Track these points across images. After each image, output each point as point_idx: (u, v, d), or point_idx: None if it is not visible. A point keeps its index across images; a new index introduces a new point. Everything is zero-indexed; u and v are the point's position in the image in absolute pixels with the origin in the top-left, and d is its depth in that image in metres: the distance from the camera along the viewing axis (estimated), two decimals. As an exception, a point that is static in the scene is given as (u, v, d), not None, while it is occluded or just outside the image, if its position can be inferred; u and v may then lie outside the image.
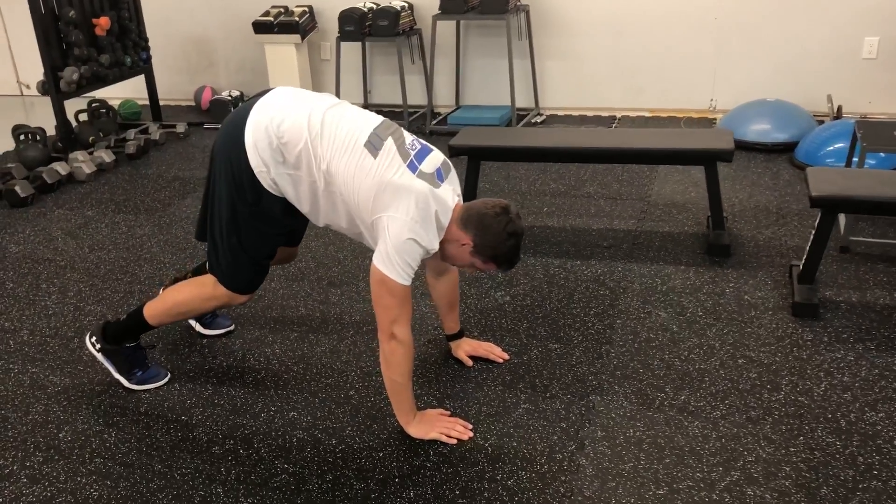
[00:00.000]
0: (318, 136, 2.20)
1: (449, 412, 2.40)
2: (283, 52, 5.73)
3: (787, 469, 2.12)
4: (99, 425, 2.44)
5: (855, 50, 5.00)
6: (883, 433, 2.23)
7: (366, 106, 5.82)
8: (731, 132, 3.41)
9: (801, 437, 2.23)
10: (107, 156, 4.86)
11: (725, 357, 2.63)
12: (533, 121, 5.50)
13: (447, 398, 2.49)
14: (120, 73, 5.28)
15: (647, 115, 5.53)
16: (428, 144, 2.31)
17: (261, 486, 2.15)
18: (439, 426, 2.31)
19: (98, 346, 2.60)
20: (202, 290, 2.50)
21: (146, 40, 5.54)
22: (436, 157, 2.27)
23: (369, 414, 2.43)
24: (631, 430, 2.30)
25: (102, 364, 2.62)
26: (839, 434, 2.24)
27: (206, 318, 2.93)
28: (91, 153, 4.86)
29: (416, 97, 5.80)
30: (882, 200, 2.66)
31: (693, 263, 3.30)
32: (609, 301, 3.03)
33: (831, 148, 4.26)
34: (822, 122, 4.85)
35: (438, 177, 2.22)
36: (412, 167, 2.18)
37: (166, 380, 2.65)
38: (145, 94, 5.74)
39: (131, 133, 5.28)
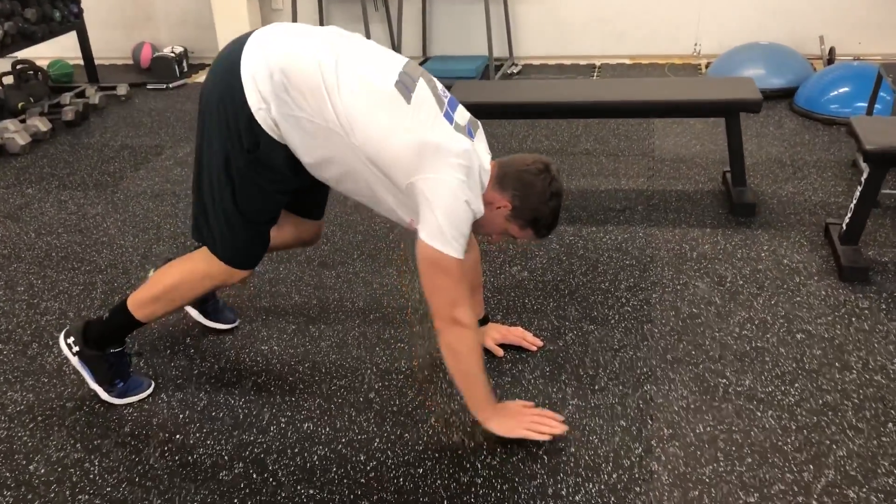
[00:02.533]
0: (333, 68, 1.80)
1: (533, 403, 2.08)
2: (230, 2, 5.21)
3: (886, 464, 1.88)
4: (77, 452, 2.05)
5: (845, -12, 4.77)
6: (976, 414, 2.02)
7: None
8: (751, 80, 3.14)
9: (891, 424, 2.00)
10: (42, 124, 4.32)
11: (782, 332, 2.38)
12: (508, 71, 5.14)
13: (483, 396, 2.18)
14: (48, 30, 4.71)
15: (628, 62, 5.23)
16: (452, 96, 1.98)
17: (285, 520, 1.82)
18: (526, 421, 1.99)
19: (76, 349, 2.19)
20: (194, 266, 2.10)
21: (76, -8, 4.96)
22: (464, 111, 1.94)
23: (397, 421, 2.11)
24: (700, 426, 2.03)
25: (76, 370, 2.23)
26: (930, 418, 2.01)
27: (209, 306, 2.52)
28: (23, 121, 4.32)
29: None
30: (947, 153, 2.42)
31: (718, 225, 3.04)
32: (639, 272, 2.75)
33: (834, 93, 4.04)
34: (813, 65, 4.63)
35: (469, 132, 1.90)
36: (448, 117, 1.85)
37: (150, 390, 2.27)
38: (77, 53, 5.17)
39: (66, 97, 4.73)
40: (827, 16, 4.82)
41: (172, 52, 5.45)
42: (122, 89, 4.99)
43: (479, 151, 1.91)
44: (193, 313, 2.53)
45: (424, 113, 1.82)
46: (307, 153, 1.91)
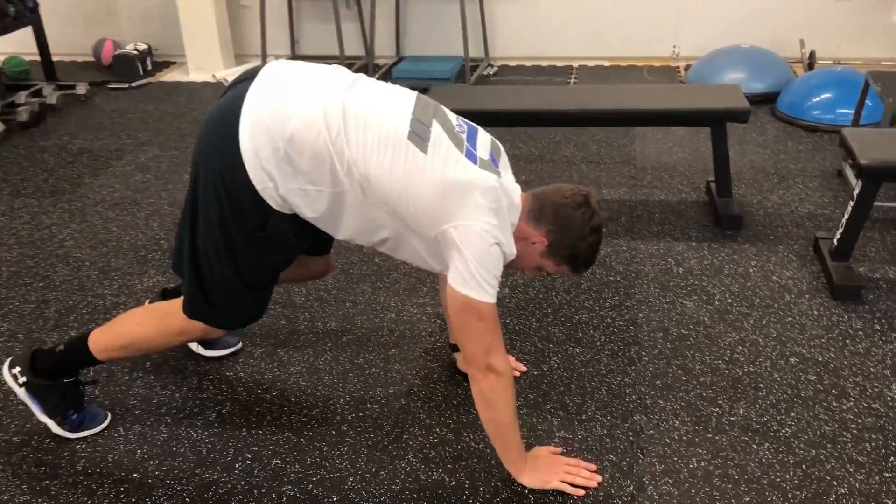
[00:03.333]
0: (341, 133, 1.65)
1: (561, 449, 1.95)
2: (196, -1, 5.01)
3: (890, 502, 1.78)
4: (24, 494, 1.89)
5: (826, -9, 4.70)
6: (980, 446, 1.93)
7: (293, 58, 5.19)
8: (738, 87, 3.03)
9: (893, 458, 1.90)
10: (-5, 125, 4.11)
11: (774, 356, 2.28)
12: (484, 73, 5.00)
13: (464, 428, 2.05)
14: (2, 26, 4.47)
15: (607, 64, 5.12)
16: (470, 122, 1.83)
17: (251, 571, 1.68)
18: (560, 472, 1.86)
19: (22, 379, 2.01)
20: (171, 324, 1.94)
21: (33, -14, 4.72)
22: (484, 138, 1.81)
23: (372, 457, 1.97)
24: (693, 460, 1.92)
25: (24, 402, 2.04)
26: (933, 450, 1.92)
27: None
28: (-26, 122, 4.11)
29: (352, 48, 5.19)
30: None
31: (704, 238, 2.93)
32: (623, 289, 2.63)
33: (817, 99, 3.96)
34: (793, 69, 4.55)
35: (494, 162, 1.76)
36: (470, 156, 1.70)
37: (107, 422, 2.10)
38: (34, 49, 4.92)
39: (21, 96, 4.51)
40: (807, 19, 4.74)
41: (136, 49, 5.23)
42: (81, 88, 4.77)
43: (506, 184, 1.76)
44: (194, 346, 2.37)
45: (444, 159, 1.68)
46: (324, 222, 1.79)
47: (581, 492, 1.83)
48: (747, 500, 1.80)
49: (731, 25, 4.82)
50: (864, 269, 2.69)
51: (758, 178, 3.42)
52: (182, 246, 1.87)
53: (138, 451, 2.01)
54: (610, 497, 1.82)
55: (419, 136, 1.68)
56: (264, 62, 4.99)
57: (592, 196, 1.81)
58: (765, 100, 4.25)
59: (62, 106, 4.63)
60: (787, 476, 1.86)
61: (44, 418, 2.05)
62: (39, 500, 1.87)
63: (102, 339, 1.98)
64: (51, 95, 4.60)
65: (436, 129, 1.72)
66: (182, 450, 2.01)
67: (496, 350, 1.74)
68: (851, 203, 2.53)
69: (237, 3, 5.37)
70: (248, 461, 1.97)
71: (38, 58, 4.96)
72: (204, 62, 5.15)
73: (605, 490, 1.84)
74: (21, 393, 2.03)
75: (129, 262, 2.90)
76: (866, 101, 3.38)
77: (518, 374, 2.23)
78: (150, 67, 5.30)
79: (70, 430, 2.05)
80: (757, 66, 4.37)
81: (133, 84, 5.02)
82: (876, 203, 3.01)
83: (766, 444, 1.96)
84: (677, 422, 2.05)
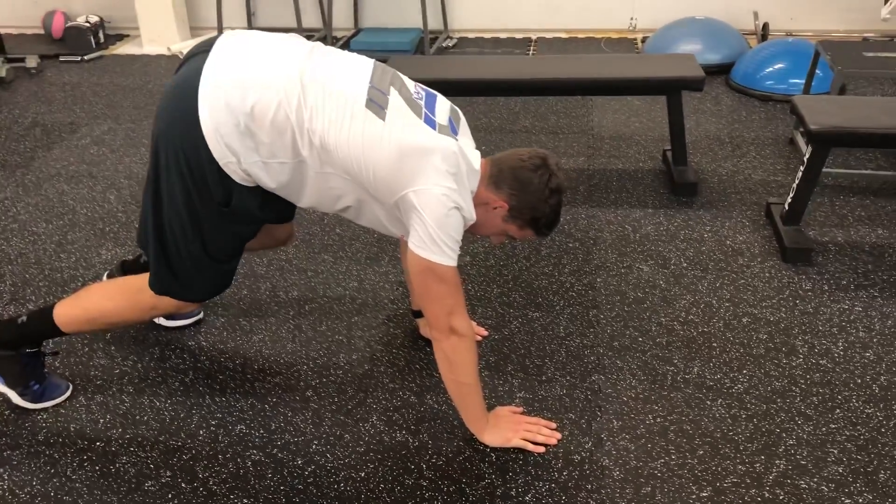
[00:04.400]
0: (301, 104, 1.65)
1: (522, 409, 1.99)
2: (149, -31, 4.92)
3: (836, 451, 1.86)
4: (-16, 465, 1.88)
5: (779, -37, 4.77)
6: (921, 397, 2.02)
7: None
8: (693, 56, 3.09)
9: (838, 410, 1.98)
10: (-57, 99, 4.01)
11: (728, 316, 2.35)
12: (444, 45, 5.00)
13: (427, 391, 2.08)
14: (-51, -3, 4.35)
15: (564, 36, 5.14)
16: (428, 89, 1.83)
17: (218, 533, 1.70)
18: (521, 430, 1.90)
19: None
20: (139, 297, 1.93)
21: (-22, -45, 4.59)
22: (443, 104, 1.82)
23: (336, 421, 1.99)
24: (650, 417, 1.98)
25: None
26: (876, 402, 2.00)
27: None
28: (-78, 96, 4.00)
29: (310, 19, 5.14)
30: (890, 132, 2.40)
31: (660, 205, 2.99)
32: (582, 255, 2.68)
33: (770, 69, 4.03)
34: (747, 40, 4.62)
35: (452, 128, 1.77)
36: (429, 121, 1.71)
37: (69, 393, 2.09)
38: (-18, 22, 4.81)
39: (-30, 69, 4.40)
40: (761, -9, 4.81)
41: (87, 21, 5.12)
42: (31, 61, 4.66)
43: (465, 149, 1.77)
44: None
45: (401, 125, 1.69)
46: (288, 192, 1.79)
47: (541, 449, 1.88)
48: (701, 452, 1.87)
49: (686, -3, 4.86)
50: (813, 232, 2.77)
51: (712, 146, 3.48)
52: (146, 221, 1.85)
53: (101, 421, 2.01)
54: (569, 453, 1.87)
55: (377, 104, 1.69)
56: (220, 33, 4.92)
57: (550, 158, 1.83)
58: (720, 71, 4.31)
59: (12, 79, 4.53)
60: (740, 429, 1.93)
61: (4, 389, 2.03)
62: (2, 471, 1.86)
63: (70, 313, 1.96)
64: (0, 68, 4.49)
65: (394, 97, 1.73)
66: (145, 418, 2.02)
67: (458, 312, 1.77)
68: (802, 168, 2.60)
69: (192, -26, 5.28)
70: (212, 428, 1.98)
71: (-15, 30, 4.84)
72: (158, 35, 5.06)
73: (565, 447, 1.89)
74: None
75: (86, 235, 2.87)
76: (816, 72, 3.46)
77: (480, 338, 2.26)
78: (102, 40, 5.19)
79: (31, 401, 2.04)
80: (712, 37, 4.43)
81: (85, 57, 4.91)
82: (826, 169, 3.10)
83: (720, 400, 2.03)
84: (634, 381, 2.10)
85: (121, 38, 5.37)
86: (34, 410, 2.04)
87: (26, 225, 2.96)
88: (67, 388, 2.10)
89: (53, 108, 4.15)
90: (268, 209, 1.85)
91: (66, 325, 1.96)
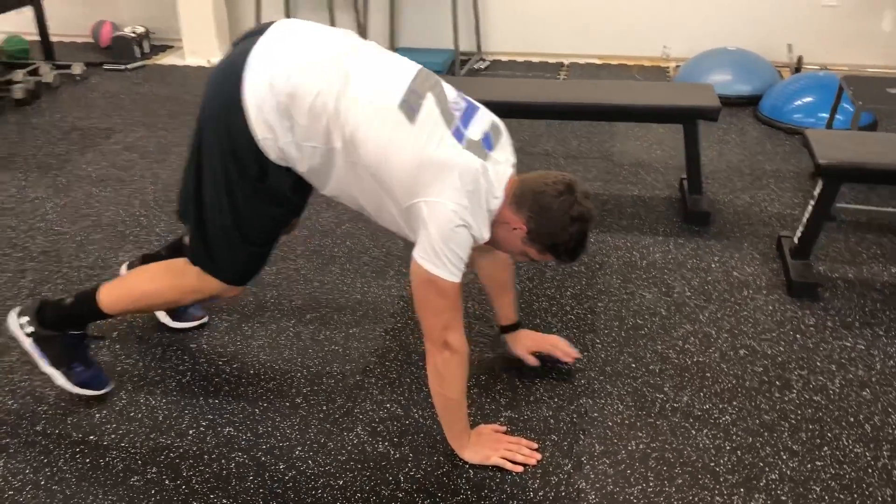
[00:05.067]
0: (340, 93, 1.70)
1: (505, 428, 2.01)
2: (194, -16, 5.07)
3: (818, 489, 1.83)
4: (-17, 451, 1.96)
5: (816, -4, 4.74)
6: (913, 440, 1.98)
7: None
8: (711, 87, 3.08)
9: (826, 448, 1.95)
10: (-11, 101, 4.18)
11: (725, 347, 2.33)
12: (476, 66, 5.06)
13: (413, 405, 2.11)
14: (2, 4, 4.55)
15: (597, 62, 5.16)
16: (473, 101, 1.84)
17: (194, 531, 1.74)
18: (501, 449, 1.91)
19: (29, 329, 2.04)
20: (183, 280, 1.98)
21: (33, -35, 4.80)
22: (483, 118, 1.81)
23: (322, 429, 2.03)
24: (633, 443, 1.97)
25: (28, 353, 2.07)
26: (867, 442, 1.97)
27: (178, 309, 2.40)
28: (-30, 98, 4.18)
29: (346, 38, 5.24)
30: (900, 169, 2.38)
31: (671, 233, 2.98)
32: (586, 280, 2.68)
33: (799, 102, 4.00)
34: (780, 72, 4.59)
35: (486, 144, 1.77)
36: (458, 135, 1.72)
37: (109, 388, 2.13)
38: (34, 29, 5.00)
39: (19, 74, 4.57)
40: (796, 24, 4.78)
41: (133, 32, 5.30)
42: (77, 68, 4.84)
43: (495, 167, 1.75)
44: (162, 317, 2.41)
45: (428, 132, 1.70)
46: (315, 178, 1.84)
47: (519, 468, 1.89)
48: (679, 481, 1.86)
49: (722, 28, 4.85)
50: (824, 268, 2.74)
51: (731, 177, 3.46)
52: (188, 194, 1.91)
53: (97, 415, 2.08)
54: (547, 474, 1.88)
55: (410, 107, 1.71)
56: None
57: (576, 185, 1.78)
58: (749, 102, 4.29)
59: (58, 85, 4.70)
60: (722, 461, 1.92)
61: (48, 369, 2.07)
62: (-3, 458, 1.94)
63: (113, 293, 2.02)
64: (47, 74, 4.66)
65: (429, 102, 1.73)
66: (139, 415, 2.08)
67: (453, 327, 1.78)
68: (812, 202, 2.58)
69: (235, -10, 5.43)
70: (201, 428, 2.03)
71: (38, 37, 5.03)
72: (199, 47, 5.22)
73: (544, 468, 1.90)
74: (27, 343, 2.06)
75: (107, 237, 2.97)
76: (843, 106, 3.42)
77: (570, 360, 2.21)
78: (147, 50, 5.36)
79: (75, 384, 2.08)
80: (743, 68, 4.41)
81: (129, 66, 5.08)
82: (843, 205, 3.07)
83: (706, 431, 2.01)
84: (622, 406, 2.10)
85: (165, 49, 5.54)
86: (79, 396, 2.09)
87: (52, 224, 3.07)
88: (110, 383, 2.15)
89: (92, 113, 4.30)
90: (299, 193, 1.90)
91: (109, 304, 2.02)
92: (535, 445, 1.95)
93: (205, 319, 2.44)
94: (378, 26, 5.31)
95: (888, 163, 2.39)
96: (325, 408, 2.10)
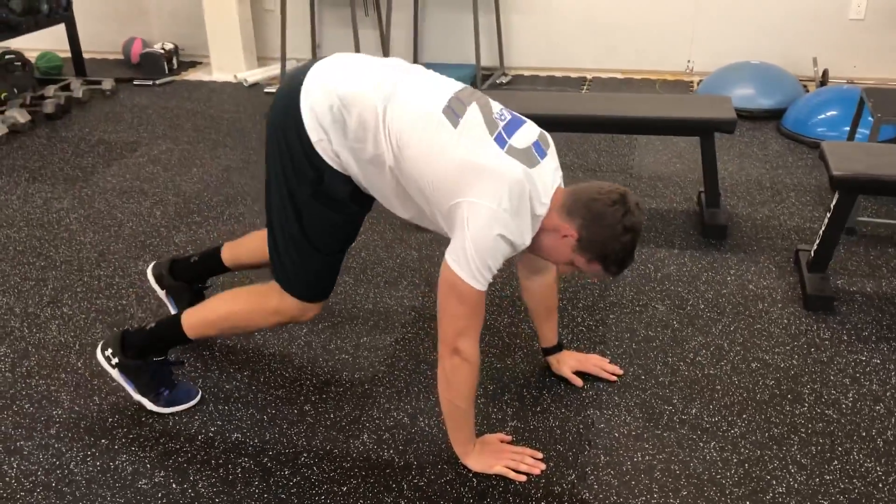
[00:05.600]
0: (389, 100, 1.76)
1: (511, 437, 2.01)
2: (221, 1, 5.16)
3: (826, 503, 1.80)
4: (-2, 453, 2.00)
5: (842, 10, 4.69)
6: (927, 455, 1.94)
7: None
8: (728, 99, 3.06)
9: (836, 462, 1.92)
10: (20, 115, 4.29)
11: (736, 360, 2.31)
12: (498, 81, 5.08)
13: (420, 413, 2.12)
14: (35, 22, 4.68)
15: (620, 76, 5.16)
16: (519, 115, 1.86)
17: (198, 534, 1.76)
18: (505, 458, 1.92)
19: (115, 360, 2.09)
20: (265, 301, 2.02)
21: (66, -16, 4.93)
22: (530, 131, 1.82)
23: (328, 436, 2.04)
24: (639, 454, 1.96)
25: (118, 382, 2.13)
26: (878, 457, 1.93)
27: None
28: (2, 112, 4.29)
29: (370, 53, 5.28)
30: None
31: (687, 246, 2.96)
32: (599, 291, 2.68)
33: (822, 116, 3.95)
34: (806, 86, 4.55)
35: (539, 152, 1.78)
36: (500, 141, 1.74)
37: (198, 398, 2.18)
38: (67, 46, 5.13)
39: (50, 90, 4.70)
40: (822, 38, 4.74)
41: (163, 48, 5.41)
42: (107, 84, 4.95)
43: (541, 174, 1.77)
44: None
45: (471, 137, 1.73)
46: (368, 182, 1.88)
47: (523, 478, 1.88)
48: (684, 493, 1.84)
49: (746, 42, 4.83)
50: (842, 281, 2.70)
51: (751, 190, 3.43)
52: (265, 208, 1.99)
53: (109, 420, 2.11)
54: (550, 484, 1.87)
55: (454, 112, 1.75)
56: (284, 64, 5.13)
57: (629, 196, 1.78)
58: (772, 116, 4.26)
59: (87, 100, 4.81)
60: (729, 473, 1.89)
61: (138, 397, 2.13)
62: (12, 460, 1.97)
63: (197, 315, 2.08)
64: (77, 90, 4.78)
65: (472, 110, 1.77)
66: (150, 420, 2.11)
67: (468, 335, 1.78)
68: (828, 214, 2.55)
69: (262, 7, 5.53)
70: (210, 434, 2.06)
71: (69, 54, 5.16)
72: (227, 63, 5.31)
73: (547, 478, 1.89)
74: (115, 374, 2.11)
75: (127, 247, 3.02)
76: (870, 119, 3.37)
77: (614, 378, 2.23)
78: (175, 66, 5.47)
79: (164, 406, 2.13)
80: (766, 82, 4.38)
81: (157, 82, 5.19)
82: (864, 219, 3.03)
83: (713, 443, 1.99)
84: (629, 417, 2.09)
85: (193, 64, 5.65)
86: (168, 414, 2.13)
87: (75, 234, 3.14)
88: (197, 393, 2.18)
89: (120, 127, 4.39)
90: (358, 202, 1.94)
91: (191, 328, 2.07)
92: (540, 455, 1.94)
93: None
94: (401, 42, 5.37)
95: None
96: (332, 415, 2.12)
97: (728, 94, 4.29)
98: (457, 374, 1.82)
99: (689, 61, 5.03)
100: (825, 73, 4.56)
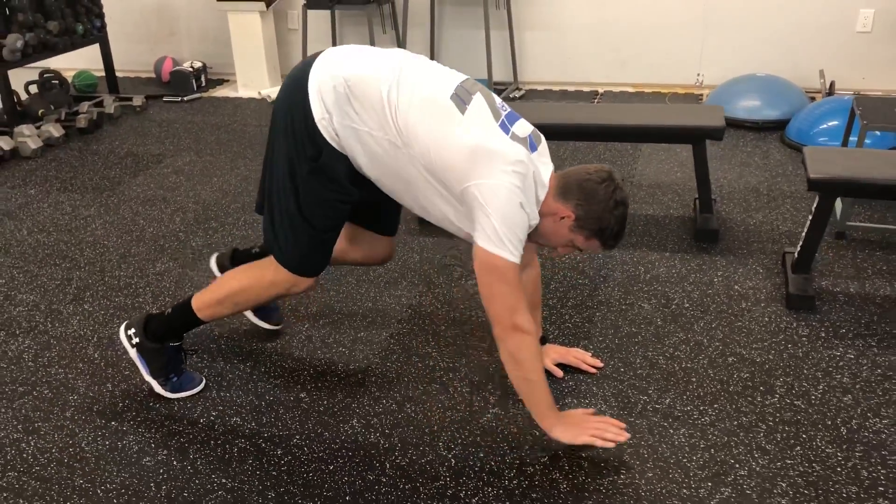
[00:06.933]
0: (394, 84, 1.88)
1: (594, 410, 2.08)
2: (246, 21, 5.40)
3: (784, 485, 1.89)
4: (18, 432, 2.17)
5: (849, 23, 4.76)
6: (888, 443, 2.02)
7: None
8: (721, 108, 3.16)
9: (798, 447, 2.01)
10: (55, 130, 4.54)
11: (714, 355, 2.40)
12: (511, 95, 5.23)
13: (408, 401, 2.25)
14: (70, 42, 4.94)
15: (631, 90, 5.27)
16: (514, 111, 2.00)
17: (193, 505, 1.91)
18: (590, 427, 1.98)
19: (135, 341, 2.25)
20: (262, 273, 2.16)
21: (100, 7, 5.19)
22: (525, 124, 1.96)
23: (320, 420, 2.18)
24: (610, 439, 2.07)
25: (134, 362, 2.29)
26: (840, 443, 2.02)
27: (265, 310, 2.58)
28: (38, 127, 4.54)
29: (389, 70, 5.49)
30: (888, 183, 2.43)
31: (679, 250, 3.06)
32: (588, 291, 2.79)
33: (825, 126, 4.02)
34: (814, 98, 4.62)
35: (531, 145, 1.92)
36: (504, 128, 1.87)
37: (202, 386, 2.33)
38: (102, 65, 5.40)
39: (84, 106, 4.96)
40: (830, 50, 4.81)
41: (192, 66, 5.65)
42: (137, 100, 5.20)
43: (537, 163, 1.91)
44: (248, 314, 2.59)
45: (478, 122, 1.86)
46: (367, 165, 1.98)
47: (610, 444, 1.95)
48: (650, 475, 1.94)
49: (755, 54, 4.91)
50: (827, 282, 2.78)
51: (748, 197, 3.52)
52: (262, 186, 2.13)
53: (120, 404, 2.28)
54: (524, 465, 1.99)
55: (461, 100, 1.88)
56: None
57: (615, 173, 1.94)
58: (777, 127, 4.34)
59: (119, 115, 5.06)
60: (695, 458, 1.99)
61: (149, 378, 2.28)
62: (30, 438, 2.14)
63: (203, 297, 2.22)
64: (109, 106, 5.03)
65: (477, 98, 1.90)
66: (157, 405, 2.27)
67: (520, 310, 1.87)
68: (810, 216, 2.64)
69: (286, 26, 5.75)
70: (211, 417, 2.21)
71: (105, 73, 5.42)
72: (252, 80, 5.53)
73: (522, 459, 2.01)
74: (133, 353, 2.27)
75: (147, 250, 3.21)
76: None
77: (594, 371, 2.32)
78: (203, 84, 5.71)
79: (170, 391, 2.28)
80: (771, 94, 4.46)
81: (185, 98, 5.43)
82: (854, 223, 3.11)
83: (683, 430, 2.09)
84: (604, 406, 2.20)
85: (221, 82, 5.89)
86: (174, 399, 2.28)
87: (100, 239, 3.34)
88: (201, 381, 2.33)
89: (147, 141, 4.62)
90: (356, 184, 2.03)
91: (200, 309, 2.21)
92: (623, 425, 1.99)
93: (279, 327, 2.61)
94: (419, 58, 5.54)
95: (876, 177, 2.44)
96: (325, 402, 2.26)
97: (734, 106, 4.40)
98: (522, 350, 1.90)
99: (698, 74, 5.13)
100: (832, 85, 4.62)
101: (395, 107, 1.87)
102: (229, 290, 2.22)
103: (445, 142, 1.85)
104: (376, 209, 2.25)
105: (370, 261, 2.46)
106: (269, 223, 2.11)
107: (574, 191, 1.91)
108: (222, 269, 2.61)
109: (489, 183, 1.79)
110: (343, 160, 1.99)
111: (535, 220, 1.90)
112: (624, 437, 1.97)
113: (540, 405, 1.99)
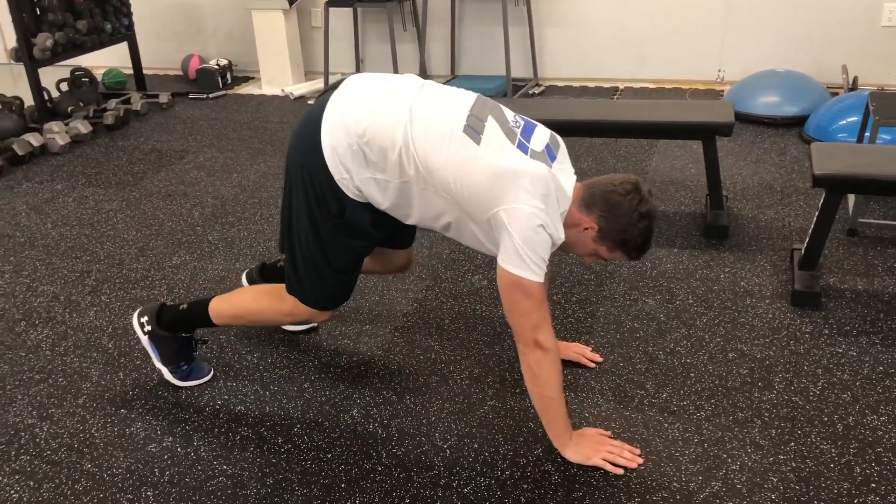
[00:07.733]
0: (407, 130, 1.90)
1: (610, 433, 2.07)
2: (270, 19, 5.48)
3: (775, 480, 1.90)
4: (32, 418, 2.26)
5: (874, 17, 4.69)
6: (884, 440, 2.01)
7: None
8: (731, 104, 3.15)
9: (793, 443, 2.01)
10: (83, 126, 4.66)
11: (715, 350, 2.41)
12: (531, 92, 5.24)
13: (408, 392, 2.29)
14: (99, 41, 5.06)
15: (651, 86, 5.25)
16: (530, 119, 2.02)
17: (195, 490, 1.97)
18: (603, 451, 1.98)
19: (147, 328, 2.31)
20: (281, 305, 2.20)
21: (128, 6, 5.31)
22: (542, 133, 1.97)
23: (321, 410, 2.24)
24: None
25: (145, 348, 2.36)
26: (835, 440, 2.02)
27: None
28: (67, 124, 4.66)
29: (410, 67, 5.53)
30: (894, 180, 2.41)
31: (687, 246, 3.06)
32: (594, 286, 2.81)
33: (844, 122, 3.98)
34: (836, 94, 4.57)
35: (549, 155, 1.93)
36: (522, 147, 1.89)
37: (210, 376, 2.40)
38: (130, 63, 5.53)
39: (112, 103, 5.08)
40: (853, 45, 4.75)
41: (217, 64, 5.75)
42: (164, 97, 5.31)
43: (558, 174, 1.91)
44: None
45: (494, 148, 1.86)
46: (393, 207, 2.00)
47: (620, 471, 1.94)
48: (642, 468, 1.96)
49: (776, 50, 4.87)
50: (834, 279, 2.77)
51: (761, 194, 3.50)
52: (283, 230, 2.16)
53: (130, 393, 2.35)
54: (518, 457, 2.02)
55: (474, 130, 1.89)
56: (327, 77, 5.41)
57: (642, 184, 1.93)
58: (796, 123, 4.30)
59: (145, 112, 5.17)
60: (688, 452, 2.01)
61: (159, 365, 2.36)
62: (43, 424, 2.23)
63: (222, 307, 2.28)
64: (136, 103, 5.14)
65: (490, 124, 1.91)
66: (165, 394, 2.34)
67: (543, 327, 1.89)
68: (816, 213, 2.63)
69: (309, 24, 5.82)
70: (217, 406, 2.27)
71: (133, 70, 5.55)
72: (276, 77, 5.61)
73: (515, 450, 2.04)
74: (144, 340, 2.34)
75: (165, 244, 3.30)
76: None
77: (593, 366, 2.35)
78: (229, 81, 5.81)
79: (179, 379, 2.36)
80: (791, 90, 4.42)
81: (210, 95, 5.52)
82: (867, 220, 3.08)
83: (678, 424, 2.11)
84: (601, 399, 2.22)
85: (246, 79, 5.98)
86: (181, 388, 2.36)
87: (120, 232, 3.43)
88: (210, 371, 2.41)
89: (172, 137, 4.72)
90: (379, 227, 2.08)
91: (216, 316, 2.28)
92: (638, 451, 2.00)
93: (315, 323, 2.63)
94: (439, 55, 5.58)
95: (881, 173, 2.42)
96: (328, 392, 2.31)
97: (754, 102, 4.37)
98: (542, 367, 1.91)
99: (720, 70, 5.10)
100: (855, 80, 4.57)
101: (413, 153, 1.88)
102: (247, 309, 2.28)
103: (466, 178, 1.86)
104: (394, 231, 2.24)
105: (390, 271, 2.50)
106: (293, 269, 2.14)
107: (598, 202, 1.91)
108: (251, 282, 2.66)
109: (513, 207, 1.81)
110: (368, 208, 2.02)
111: (560, 239, 1.91)
112: (637, 462, 1.97)
113: (555, 423, 2.00)
